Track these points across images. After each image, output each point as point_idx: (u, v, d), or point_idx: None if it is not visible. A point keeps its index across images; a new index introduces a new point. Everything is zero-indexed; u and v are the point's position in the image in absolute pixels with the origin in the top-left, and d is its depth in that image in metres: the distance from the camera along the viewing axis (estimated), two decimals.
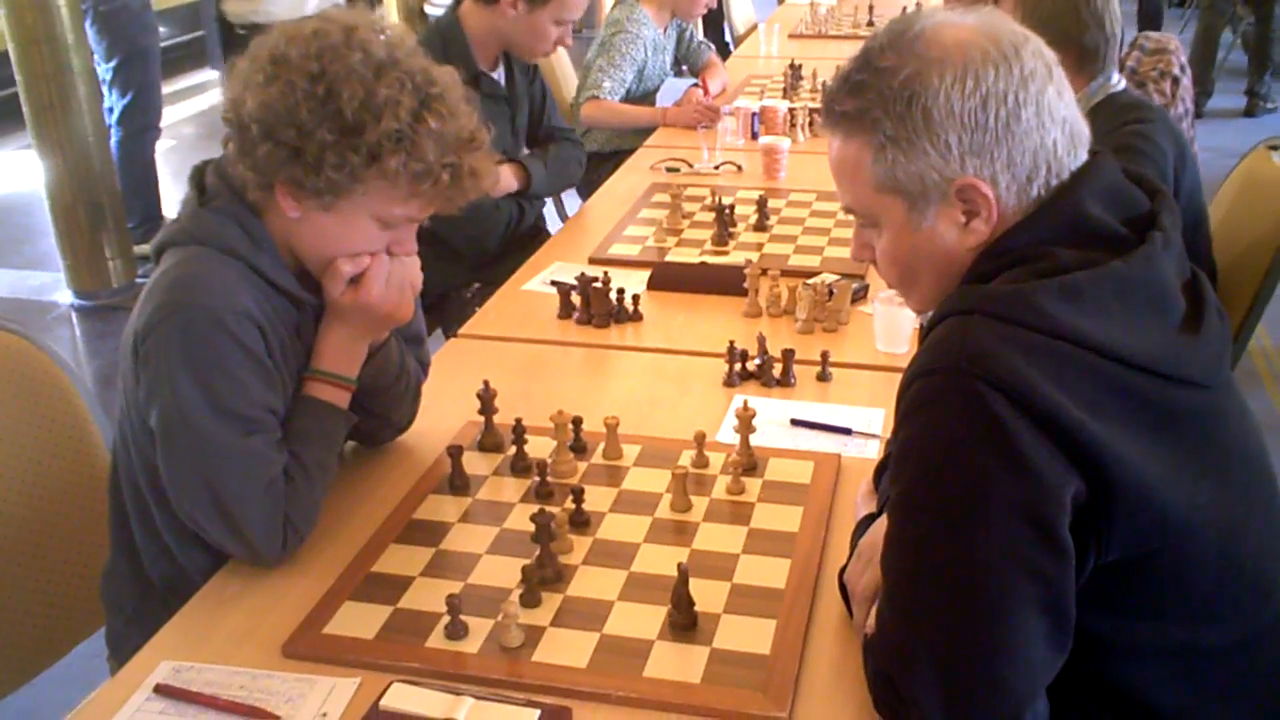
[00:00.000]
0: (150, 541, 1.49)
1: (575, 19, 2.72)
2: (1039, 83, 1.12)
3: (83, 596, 1.71)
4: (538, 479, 1.57)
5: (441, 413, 1.78)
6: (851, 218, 1.28)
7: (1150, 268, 1.10)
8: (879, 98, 1.13)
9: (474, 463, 1.64)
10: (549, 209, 3.25)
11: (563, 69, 4.01)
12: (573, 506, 1.49)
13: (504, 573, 1.41)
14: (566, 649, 1.28)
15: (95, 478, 1.73)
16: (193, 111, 7.21)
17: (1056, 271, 1.09)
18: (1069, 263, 1.09)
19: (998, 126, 1.11)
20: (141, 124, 4.67)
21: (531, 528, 1.40)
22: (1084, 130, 1.16)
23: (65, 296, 4.53)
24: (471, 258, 2.73)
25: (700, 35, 3.98)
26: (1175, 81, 3.18)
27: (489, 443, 1.69)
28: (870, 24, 4.71)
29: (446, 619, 1.30)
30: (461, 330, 2.14)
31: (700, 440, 1.62)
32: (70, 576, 1.72)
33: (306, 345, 1.49)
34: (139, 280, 4.67)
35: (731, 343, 1.89)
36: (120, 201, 4.54)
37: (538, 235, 3.13)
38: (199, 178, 1.46)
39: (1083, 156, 1.16)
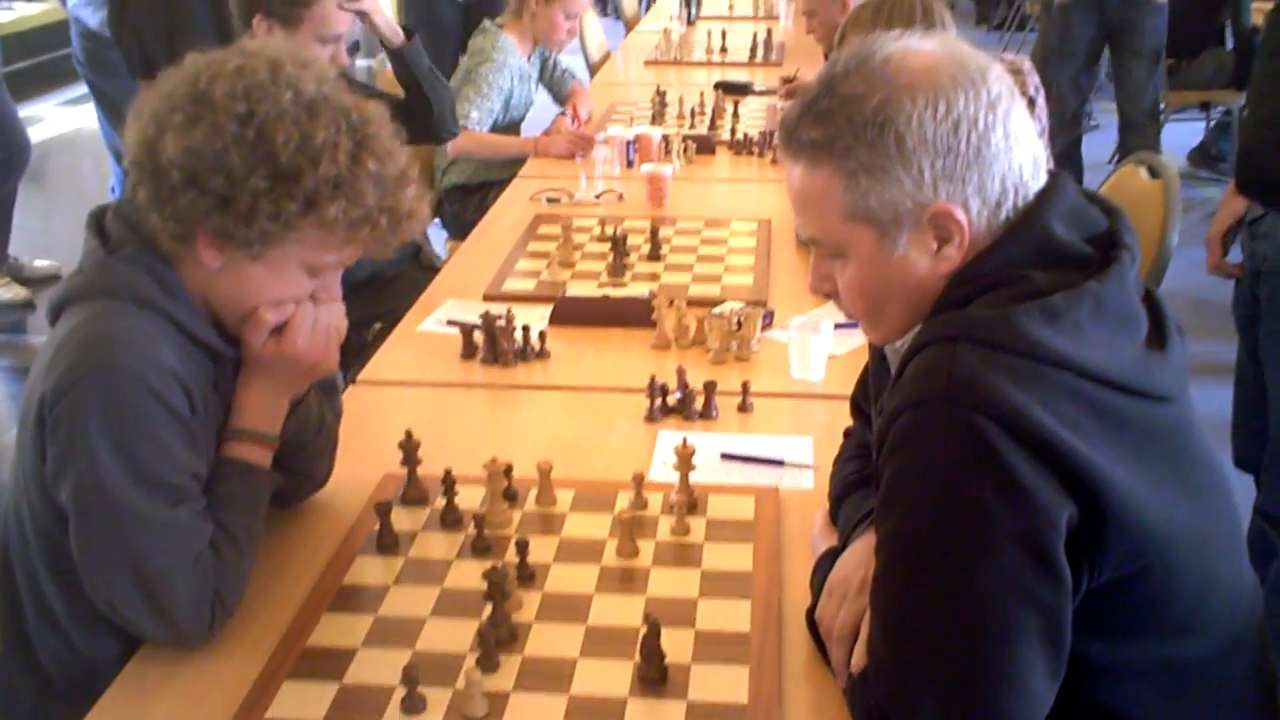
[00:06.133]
0: (48, 632, 1.34)
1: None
2: (1005, 106, 1.11)
3: None
4: (474, 532, 1.49)
5: (354, 465, 1.68)
6: (794, 257, 1.24)
7: (1122, 287, 1.11)
8: (849, 124, 1.10)
9: (399, 518, 1.54)
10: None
11: None
12: (517, 560, 1.41)
13: (454, 636, 1.32)
14: (535, 715, 1.21)
15: None
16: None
17: (1033, 294, 1.08)
18: (1044, 285, 1.09)
19: (969, 151, 1.09)
20: None
21: (474, 585, 1.33)
22: (1043, 153, 1.16)
23: None
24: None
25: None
26: (1031, 102, 3.29)
27: (413, 495, 1.59)
28: (724, 49, 4.75)
29: (401, 692, 1.21)
30: (361, 376, 2.03)
31: (639, 481, 1.56)
32: None
33: (225, 401, 1.37)
34: None
35: (653, 377, 1.84)
36: None
37: (418, 256, 3.03)
38: (98, 224, 1.33)
39: (1043, 178, 1.16)
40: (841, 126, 1.11)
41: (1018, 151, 1.12)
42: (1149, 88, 5.12)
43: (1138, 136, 5.09)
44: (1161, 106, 5.41)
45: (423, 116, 2.80)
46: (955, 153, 1.09)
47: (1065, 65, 5.12)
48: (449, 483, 1.54)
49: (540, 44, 3.72)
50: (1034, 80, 3.30)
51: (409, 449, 1.59)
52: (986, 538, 1.02)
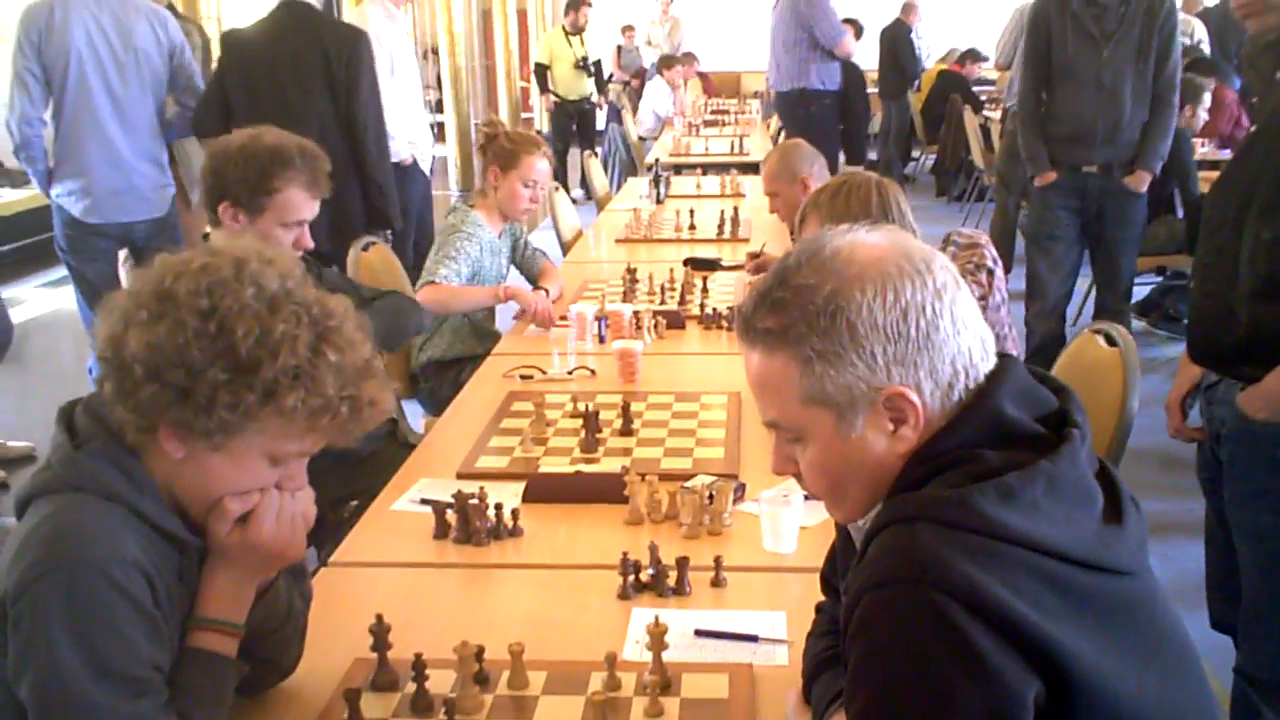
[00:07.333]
0: None
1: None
2: (951, 293, 1.17)
3: None
4: (445, 718, 1.47)
5: (324, 650, 1.66)
6: (764, 429, 1.28)
7: (1075, 464, 1.14)
8: (802, 313, 1.15)
9: (369, 704, 1.52)
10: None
11: None
12: None
13: None
14: None
15: None
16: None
17: (988, 473, 1.11)
18: (997, 464, 1.12)
19: (919, 336, 1.14)
20: None
21: None
22: (991, 336, 1.21)
23: None
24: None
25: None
26: (990, 273, 3.39)
27: (383, 681, 1.58)
28: (692, 227, 4.91)
29: None
30: (333, 558, 2.02)
31: (612, 662, 1.56)
32: None
33: (190, 591, 1.37)
34: None
35: (625, 554, 1.85)
36: None
37: (394, 433, 3.06)
38: (68, 419, 1.35)
39: (992, 360, 1.20)
40: (795, 315, 1.16)
41: (965, 335, 1.17)
42: (1126, 275, 5.13)
43: (1111, 317, 5.08)
44: None
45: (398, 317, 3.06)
46: (905, 338, 1.14)
47: (1045, 254, 5.05)
48: (419, 667, 1.53)
49: (506, 215, 3.82)
50: (991, 252, 3.41)
51: (379, 634, 1.58)
52: (954, 717, 1.02)
